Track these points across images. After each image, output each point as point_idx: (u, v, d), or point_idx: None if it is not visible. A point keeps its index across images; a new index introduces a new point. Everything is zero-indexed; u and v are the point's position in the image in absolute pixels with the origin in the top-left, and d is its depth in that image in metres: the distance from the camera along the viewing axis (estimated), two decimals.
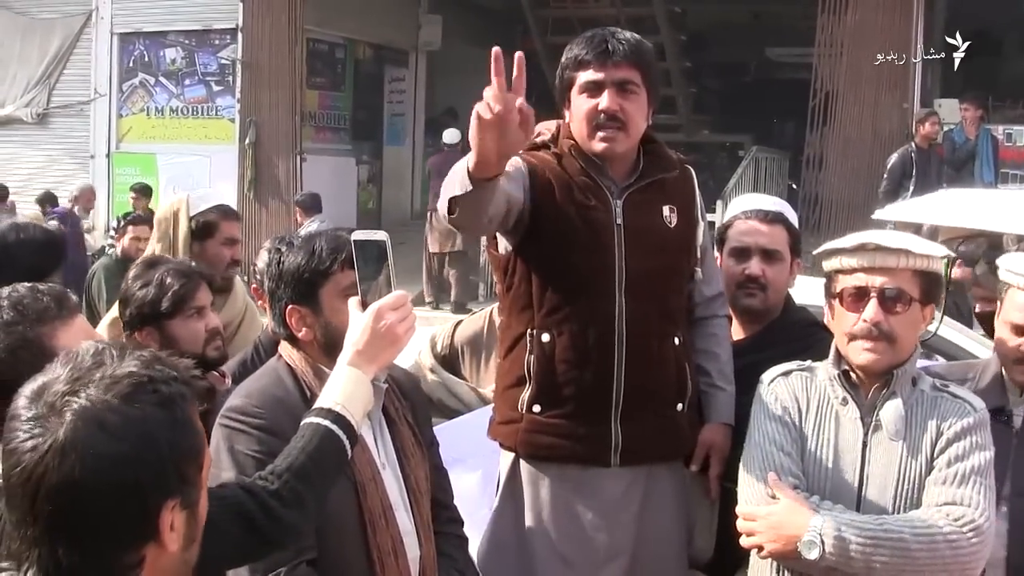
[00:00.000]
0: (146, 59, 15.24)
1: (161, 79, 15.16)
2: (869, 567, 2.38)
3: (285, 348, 2.58)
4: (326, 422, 2.11)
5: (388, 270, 2.22)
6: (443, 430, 3.31)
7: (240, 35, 14.47)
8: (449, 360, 3.75)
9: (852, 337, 2.55)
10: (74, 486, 1.43)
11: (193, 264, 3.24)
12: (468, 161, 2.45)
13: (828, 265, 2.63)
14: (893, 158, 11.17)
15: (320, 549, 2.42)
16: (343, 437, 2.11)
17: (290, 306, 2.53)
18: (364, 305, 2.20)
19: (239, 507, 1.96)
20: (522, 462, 3.01)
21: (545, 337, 2.91)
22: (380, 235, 2.23)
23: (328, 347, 2.49)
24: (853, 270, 2.56)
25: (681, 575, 3.06)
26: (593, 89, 2.90)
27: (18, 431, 1.46)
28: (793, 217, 3.28)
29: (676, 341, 2.98)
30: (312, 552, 2.41)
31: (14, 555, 1.48)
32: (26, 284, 2.39)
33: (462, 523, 2.84)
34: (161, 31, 15.07)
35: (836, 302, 2.60)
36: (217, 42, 14.82)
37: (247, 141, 14.18)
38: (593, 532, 2.96)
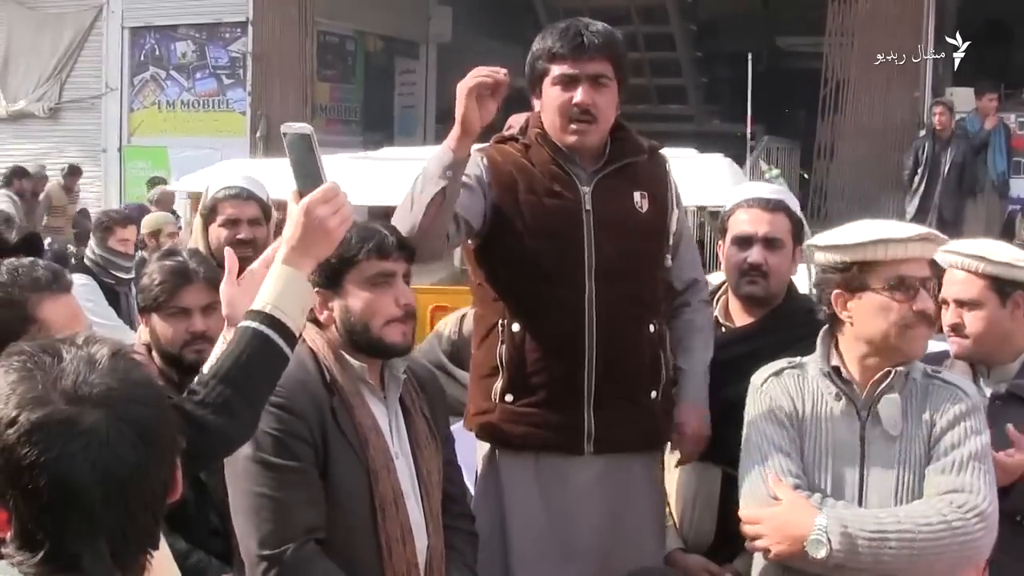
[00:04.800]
0: (157, 53, 15.26)
1: (172, 73, 15.18)
2: (878, 561, 2.37)
3: (308, 332, 2.60)
4: (255, 324, 2.07)
5: (318, 162, 2.18)
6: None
7: (250, 28, 14.48)
8: (458, 352, 3.74)
9: (907, 326, 2.51)
10: None
11: (192, 263, 3.17)
12: (447, 144, 2.71)
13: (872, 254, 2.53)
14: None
15: (330, 531, 2.47)
16: (275, 337, 2.07)
17: (315, 289, 2.54)
18: (301, 198, 2.17)
19: None
20: (497, 451, 3.03)
21: (516, 327, 2.93)
22: (306, 128, 2.20)
23: (347, 331, 2.57)
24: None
25: (657, 563, 3.07)
26: (567, 82, 2.92)
27: None
28: (795, 205, 3.28)
29: (651, 328, 2.99)
30: (321, 532, 2.46)
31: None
32: (30, 258, 2.54)
33: (472, 518, 2.87)
34: (172, 25, 15.09)
35: (885, 292, 2.52)
36: (227, 35, 14.84)
37: (258, 134, 14.19)
38: (568, 520, 2.98)
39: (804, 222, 3.32)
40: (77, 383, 1.42)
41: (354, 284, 2.56)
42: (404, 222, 2.72)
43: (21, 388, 1.41)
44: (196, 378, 2.08)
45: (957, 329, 2.91)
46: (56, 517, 1.39)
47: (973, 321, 2.88)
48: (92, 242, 6.60)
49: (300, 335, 2.19)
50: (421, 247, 2.70)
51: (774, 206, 3.20)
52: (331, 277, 2.57)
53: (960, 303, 2.90)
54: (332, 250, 2.23)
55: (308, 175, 2.18)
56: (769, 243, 3.16)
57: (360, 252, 2.55)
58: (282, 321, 2.08)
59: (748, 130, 10.66)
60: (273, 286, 2.11)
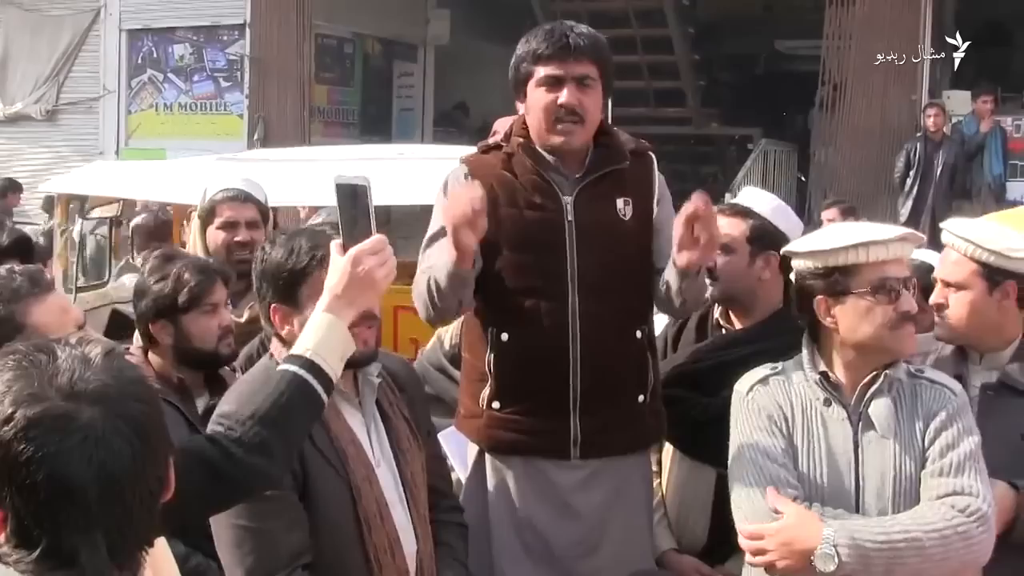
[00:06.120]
0: (155, 56, 15.25)
1: (170, 75, 15.17)
2: (888, 571, 2.35)
3: (275, 346, 2.58)
4: (294, 368, 2.09)
5: (369, 214, 2.18)
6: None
7: (248, 31, 14.46)
8: (460, 357, 3.74)
9: (893, 328, 2.51)
10: None
11: (211, 260, 3.25)
12: (448, 266, 2.74)
13: (848, 259, 2.50)
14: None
15: (317, 551, 2.43)
16: (314, 383, 2.09)
17: (272, 304, 2.53)
18: (345, 249, 2.17)
19: (201, 455, 1.98)
20: (486, 454, 3.06)
21: (504, 336, 2.95)
22: (360, 179, 2.19)
23: None
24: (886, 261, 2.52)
25: (646, 562, 3.07)
26: (553, 84, 2.92)
27: None
28: (776, 211, 3.23)
29: (638, 335, 2.99)
30: (307, 556, 2.42)
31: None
32: (3, 267, 2.55)
33: (462, 510, 2.88)
34: (169, 27, 15.08)
35: (868, 295, 2.50)
36: (225, 38, 14.82)
37: (256, 137, 14.17)
38: (554, 523, 2.99)
39: (777, 226, 3.24)
40: (73, 380, 1.43)
41: (309, 296, 2.44)
42: (420, 309, 2.92)
43: (17, 385, 1.42)
44: (234, 415, 2.08)
45: (940, 309, 2.88)
46: (53, 513, 1.39)
47: (957, 304, 2.83)
48: None
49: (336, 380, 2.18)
50: (438, 320, 2.99)
51: (732, 211, 3.21)
52: (286, 291, 2.51)
53: (947, 284, 2.86)
54: (375, 302, 2.26)
55: (357, 226, 2.17)
56: (720, 247, 3.13)
57: (311, 262, 2.49)
58: (321, 367, 2.11)
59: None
60: (315, 332, 2.14)
